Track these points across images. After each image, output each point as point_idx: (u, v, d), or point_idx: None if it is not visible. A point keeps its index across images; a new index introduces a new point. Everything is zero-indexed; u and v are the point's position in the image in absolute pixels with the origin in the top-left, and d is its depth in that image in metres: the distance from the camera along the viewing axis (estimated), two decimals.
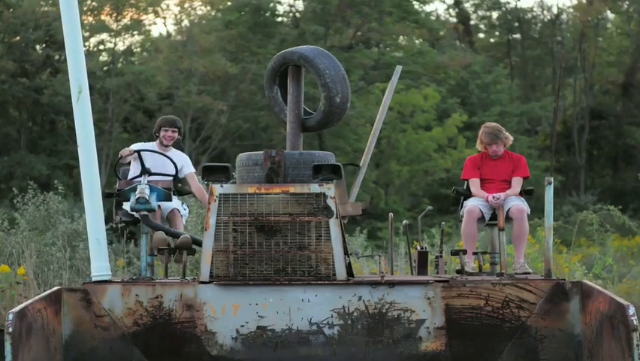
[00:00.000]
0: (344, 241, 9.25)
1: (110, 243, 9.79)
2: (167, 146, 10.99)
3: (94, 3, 38.88)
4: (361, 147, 9.96)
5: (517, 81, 44.62)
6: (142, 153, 10.85)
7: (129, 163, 10.95)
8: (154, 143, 11.07)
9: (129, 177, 10.73)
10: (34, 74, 36.70)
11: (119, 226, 10.54)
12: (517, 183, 10.34)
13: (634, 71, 45.43)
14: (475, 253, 10.24)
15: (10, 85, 36.16)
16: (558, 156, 42.28)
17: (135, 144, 11.13)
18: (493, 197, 10.18)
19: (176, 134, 11.08)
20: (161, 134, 10.99)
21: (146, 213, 9.90)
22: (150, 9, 41.10)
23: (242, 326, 8.91)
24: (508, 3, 46.38)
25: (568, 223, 26.17)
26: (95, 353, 8.83)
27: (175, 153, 11.05)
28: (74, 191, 19.60)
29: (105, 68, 37.68)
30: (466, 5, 47.31)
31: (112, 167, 11.04)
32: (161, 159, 10.81)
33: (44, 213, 18.91)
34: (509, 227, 10.31)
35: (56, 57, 35.43)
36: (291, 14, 41.95)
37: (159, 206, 10.12)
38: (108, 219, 9.98)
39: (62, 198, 19.96)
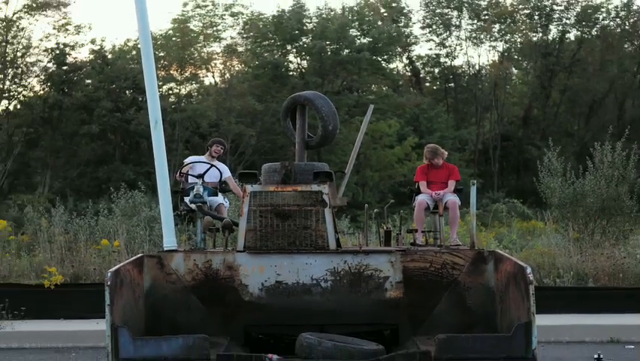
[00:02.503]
0: (334, 224, 9.24)
1: (176, 225, 9.75)
2: (213, 157, 11.00)
3: (165, 62, 38.87)
4: (346, 160, 9.91)
5: (452, 115, 44.60)
6: (197, 163, 10.86)
7: (187, 172, 10.93)
8: (205, 155, 11.08)
9: (189, 180, 10.72)
10: (125, 110, 36.63)
11: (182, 213, 10.47)
12: (451, 184, 10.32)
13: (530, 108, 45.50)
14: (423, 232, 10.24)
15: (109, 118, 36.16)
16: (479, 165, 42.35)
17: (190, 157, 11.17)
18: (436, 193, 10.18)
19: (221, 150, 11.11)
20: (212, 148, 11.04)
21: (200, 204, 9.89)
22: (203, 66, 41.11)
23: (265, 280, 8.90)
24: (446, 62, 46.30)
25: (486, 211, 26.20)
26: (165, 299, 8.83)
27: (218, 164, 11.03)
28: (152, 189, 19.50)
29: (173, 106, 37.61)
30: (417, 64, 47.23)
31: (178, 173, 10.99)
32: (213, 168, 10.80)
33: (131, 204, 18.93)
34: (446, 214, 10.31)
35: (140, 99, 35.39)
36: (298, 70, 41.89)
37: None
38: (175, 208, 9.96)
39: (144, 194, 19.96)
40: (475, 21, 45.34)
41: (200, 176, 10.57)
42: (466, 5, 45.03)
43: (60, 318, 13.23)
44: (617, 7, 44.94)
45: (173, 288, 8.90)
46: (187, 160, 11.13)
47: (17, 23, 38.62)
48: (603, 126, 38.06)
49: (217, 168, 10.84)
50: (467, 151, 42.41)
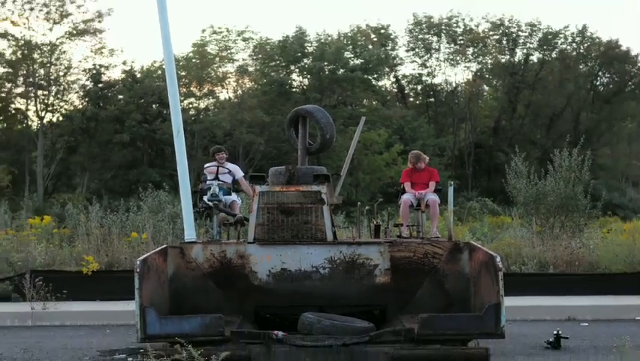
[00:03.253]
0: (332, 219, 9.24)
1: (195, 220, 9.73)
2: (221, 163, 10.91)
3: (186, 80, 38.86)
4: (342, 164, 9.90)
5: (432, 126, 44.56)
6: (212, 167, 10.84)
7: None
8: (214, 163, 10.99)
9: (207, 181, 10.70)
10: (152, 121, 36.61)
11: (201, 210, 10.45)
12: (432, 185, 10.32)
13: (499, 120, 45.48)
14: (407, 226, 10.22)
15: (138, 128, 36.14)
16: (455, 169, 42.31)
17: (207, 163, 11.12)
18: (419, 193, 10.17)
19: (224, 155, 11.02)
20: (217, 156, 10.94)
21: (216, 202, 9.87)
22: (219, 83, 41.10)
23: (272, 268, 8.89)
24: (427, 80, 46.30)
25: (461, 208, 26.20)
26: (186, 285, 8.81)
27: (229, 165, 11.00)
28: (175, 189, 19.47)
29: (192, 118, 37.64)
30: (402, 82, 47.23)
31: (197, 175, 10.99)
32: (222, 170, 10.78)
33: (157, 202, 18.88)
34: (427, 211, 10.30)
35: (164, 112, 35.34)
36: (300, 87, 41.86)
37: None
38: (194, 205, 9.94)
39: (167, 193, 19.93)
40: (452, 45, 45.37)
41: (217, 178, 10.59)
42: (444, 32, 45.06)
43: (96, 300, 13.21)
44: (573, 33, 45.08)
45: (193, 274, 8.89)
46: (206, 166, 11.09)
47: (60, 47, 38.68)
48: (561, 135, 38.12)
49: (228, 169, 10.84)
50: (445, 156, 42.40)
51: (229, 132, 37.02)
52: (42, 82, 38.54)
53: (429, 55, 45.51)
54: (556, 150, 18.57)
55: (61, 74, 38.96)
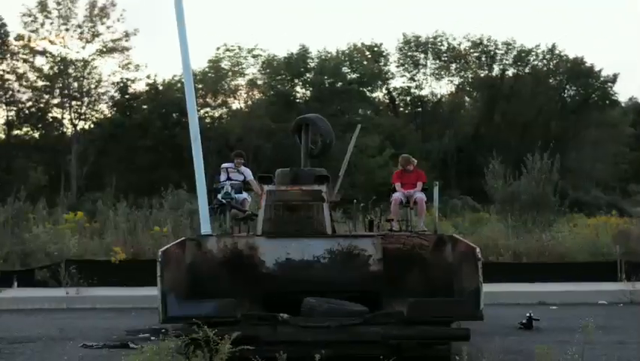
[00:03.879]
0: (331, 215, 9.23)
1: (210, 215, 9.72)
2: (237, 166, 10.91)
3: (202, 92, 38.83)
4: (340, 166, 9.92)
5: (419, 132, 44.53)
6: (227, 167, 10.83)
7: (220, 175, 10.89)
8: (232, 163, 11.00)
9: (221, 181, 10.69)
10: (172, 128, 36.62)
11: (215, 206, 10.43)
12: (419, 185, 10.31)
13: (479, 128, 45.38)
14: (397, 221, 10.21)
15: (160, 134, 36.17)
16: (440, 171, 42.07)
17: (224, 164, 11.11)
18: (408, 192, 10.16)
19: (242, 160, 11.02)
20: (235, 160, 10.94)
21: (229, 200, 9.86)
22: (231, 95, 41.07)
23: (278, 257, 8.84)
24: (415, 92, 46.23)
25: (445, 205, 26.18)
26: (202, 272, 8.73)
27: (244, 169, 11.00)
28: (192, 189, 19.46)
29: (208, 125, 37.62)
30: (393, 93, 47.12)
31: (211, 177, 10.99)
32: (235, 171, 10.78)
33: (176, 200, 18.87)
34: (415, 208, 10.29)
35: (183, 120, 35.31)
36: (303, 98, 41.79)
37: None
38: (209, 203, 9.93)
39: (186, 192, 19.91)
40: (437, 61, 45.28)
41: (229, 179, 10.58)
42: (430, 49, 44.99)
43: (123, 286, 13.21)
44: (543, 51, 44.97)
45: (208, 264, 8.82)
46: (223, 165, 11.09)
47: (92, 63, 38.78)
48: (533, 141, 37.71)
49: (241, 173, 10.84)
50: (431, 160, 42.32)
51: (240, 138, 36.97)
52: (76, 94, 38.63)
53: (417, 70, 45.44)
54: (529, 154, 18.57)
55: (92, 86, 39.01)
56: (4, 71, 38.28)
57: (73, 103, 38.69)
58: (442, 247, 8.79)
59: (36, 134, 40.14)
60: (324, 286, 8.68)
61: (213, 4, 62.99)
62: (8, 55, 38.14)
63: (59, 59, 38.04)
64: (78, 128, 38.95)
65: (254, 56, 41.72)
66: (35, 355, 8.25)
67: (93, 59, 38.76)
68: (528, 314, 9.73)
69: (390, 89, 46.96)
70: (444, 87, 47.04)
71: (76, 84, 38.56)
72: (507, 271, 13.72)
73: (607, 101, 45.66)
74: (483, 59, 45.24)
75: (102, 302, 12.20)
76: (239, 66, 41.39)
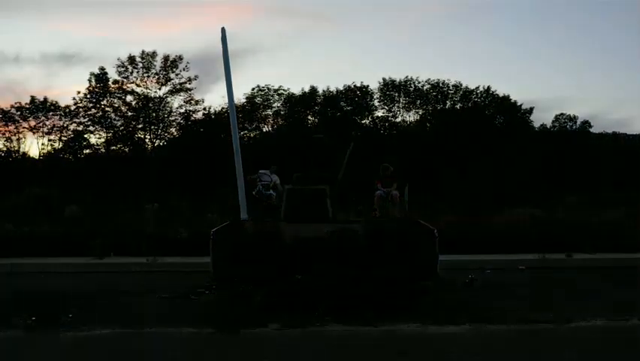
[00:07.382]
0: (332, 206, 9.20)
1: (247, 206, 9.70)
2: (271, 174, 10.87)
3: (241, 119, 38.73)
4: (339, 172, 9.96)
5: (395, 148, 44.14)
6: (262, 172, 10.82)
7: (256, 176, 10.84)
8: (267, 170, 10.95)
9: (258, 181, 10.66)
10: (221, 145, 36.47)
11: (256, 196, 10.36)
12: (395, 185, 10.28)
13: (437, 144, 45.00)
14: (378, 210, 10.18)
15: (213, 150, 35.88)
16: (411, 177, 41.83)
17: (262, 170, 11.07)
18: (387, 190, 10.12)
19: (275, 168, 10.95)
20: (271, 168, 10.87)
21: (259, 196, 9.83)
22: (262, 122, 40.92)
23: (295, 235, 8.82)
24: (392, 120, 45.91)
25: (412, 199, 25.93)
26: (240, 245, 8.57)
27: (273, 176, 10.97)
28: (235, 189, 19.54)
29: (245, 143, 37.45)
30: (376, 120, 46.53)
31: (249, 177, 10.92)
32: (267, 175, 10.77)
33: (223, 196, 18.78)
34: (392, 201, 10.24)
35: (228, 137, 35.19)
36: (312, 124, 41.46)
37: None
38: (247, 198, 9.91)
39: (230, 191, 19.79)
40: (407, 98, 45.20)
41: (261, 180, 10.58)
42: (402, 89, 44.96)
43: (187, 256, 13.22)
44: (481, 91, 44.87)
45: (245, 240, 8.81)
46: (260, 171, 11.07)
47: (165, 99, 38.86)
48: (475, 153, 37.68)
49: (270, 176, 10.84)
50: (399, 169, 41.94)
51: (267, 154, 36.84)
52: (154, 121, 38.77)
53: (393, 104, 45.32)
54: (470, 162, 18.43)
55: (165, 116, 39.13)
56: (105, 105, 38.58)
57: (152, 127, 38.84)
58: (411, 228, 8.78)
59: (126, 149, 40.30)
60: (326, 255, 8.67)
61: (253, 58, 63.03)
62: (108, 94, 38.53)
63: (143, 96, 38.33)
64: (155, 145, 39.04)
65: (278, 94, 41.75)
66: (133, 301, 8.30)
67: (166, 97, 38.97)
68: (470, 276, 9.70)
69: (375, 118, 46.80)
70: (412, 117, 46.87)
71: (154, 114, 38.76)
72: (456, 245, 13.61)
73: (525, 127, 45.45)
74: (439, 97, 45.20)
75: (172, 267, 12.20)
76: (267, 101, 41.41)
